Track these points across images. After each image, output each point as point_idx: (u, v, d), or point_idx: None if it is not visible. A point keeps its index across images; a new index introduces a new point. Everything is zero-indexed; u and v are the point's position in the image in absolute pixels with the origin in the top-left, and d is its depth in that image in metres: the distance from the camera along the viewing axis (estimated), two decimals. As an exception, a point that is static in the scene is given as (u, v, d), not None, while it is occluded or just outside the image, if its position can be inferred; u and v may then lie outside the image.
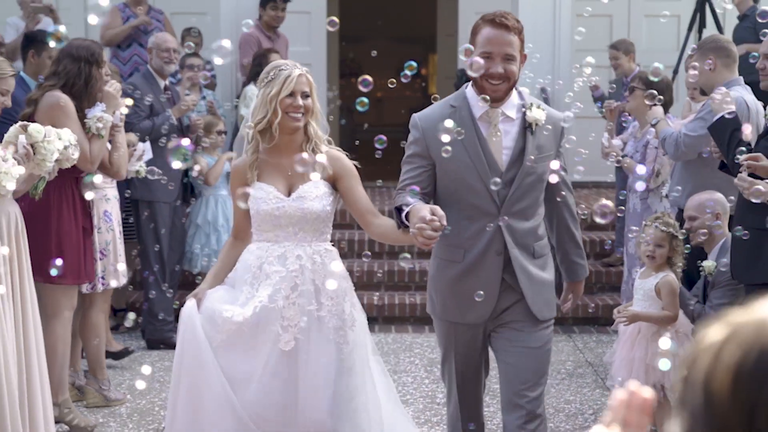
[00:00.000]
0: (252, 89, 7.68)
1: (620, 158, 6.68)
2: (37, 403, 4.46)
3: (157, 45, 6.88)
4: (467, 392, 4.11)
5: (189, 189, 7.39)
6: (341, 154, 4.02)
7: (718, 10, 9.32)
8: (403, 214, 3.61)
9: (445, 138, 3.55)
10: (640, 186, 6.44)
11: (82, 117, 5.13)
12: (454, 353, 4.04)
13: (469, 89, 3.87)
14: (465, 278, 3.88)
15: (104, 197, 5.83)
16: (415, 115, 3.93)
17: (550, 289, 3.94)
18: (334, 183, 3.99)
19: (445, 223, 3.43)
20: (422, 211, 3.44)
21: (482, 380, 4.15)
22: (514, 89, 3.84)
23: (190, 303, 3.88)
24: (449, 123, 3.56)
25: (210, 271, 4.12)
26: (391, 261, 8.17)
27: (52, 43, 4.85)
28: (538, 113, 3.81)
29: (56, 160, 4.39)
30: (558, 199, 4.00)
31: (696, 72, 5.57)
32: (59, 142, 4.36)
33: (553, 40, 9.77)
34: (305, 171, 3.71)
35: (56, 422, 5.09)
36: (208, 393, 3.80)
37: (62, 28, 4.51)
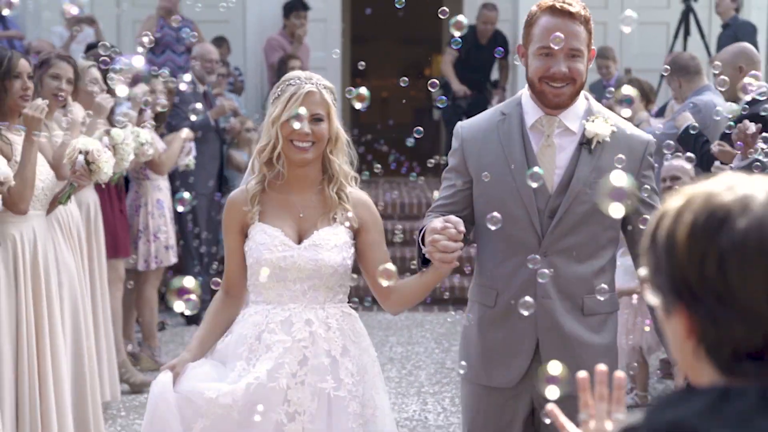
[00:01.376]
0: (278, 93, 8.54)
1: None
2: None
3: (202, 56, 7.75)
4: None
5: (224, 181, 8.24)
6: (368, 199, 3.27)
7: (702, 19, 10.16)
8: (419, 238, 3.01)
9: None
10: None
11: None
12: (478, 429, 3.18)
13: (525, 93, 3.16)
14: (495, 328, 3.12)
15: (157, 187, 6.68)
16: (459, 123, 3.28)
17: (597, 356, 2.91)
18: (354, 233, 3.21)
19: (462, 228, 2.84)
20: (434, 222, 2.87)
21: None
22: (581, 94, 3.13)
23: (165, 377, 3.04)
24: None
25: (194, 335, 3.27)
26: (403, 248, 8.99)
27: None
28: (601, 127, 3.06)
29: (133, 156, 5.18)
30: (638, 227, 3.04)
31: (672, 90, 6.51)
32: (136, 140, 5.17)
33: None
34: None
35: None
36: None
37: None
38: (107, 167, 4.70)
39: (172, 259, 6.81)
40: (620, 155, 3.00)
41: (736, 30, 9.57)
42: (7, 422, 4.21)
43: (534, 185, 2.94)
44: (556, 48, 2.97)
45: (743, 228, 1.31)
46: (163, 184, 6.75)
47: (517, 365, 3.05)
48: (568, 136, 3.08)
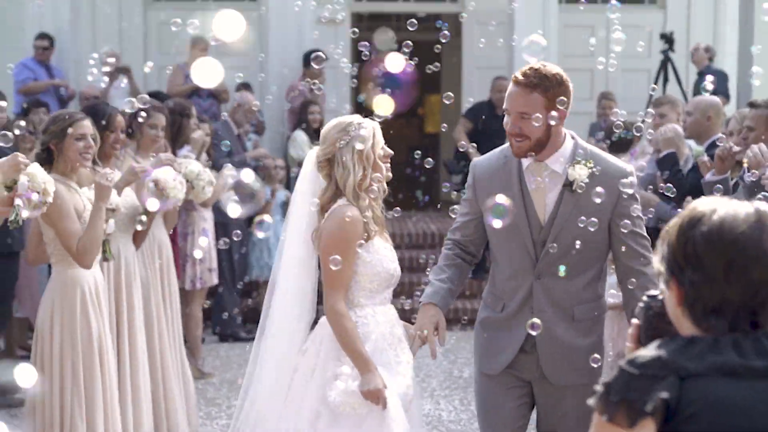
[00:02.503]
0: (300, 134, 9.55)
1: None
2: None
3: (245, 105, 8.79)
4: None
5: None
6: None
7: (680, 68, 11.20)
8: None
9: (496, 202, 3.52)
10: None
11: None
12: (485, 412, 3.91)
13: None
14: (498, 328, 3.79)
15: (202, 217, 7.64)
16: (474, 161, 3.92)
17: (583, 355, 3.66)
18: None
19: (443, 344, 3.67)
20: (426, 324, 3.63)
21: None
22: (568, 136, 3.70)
23: (395, 402, 3.68)
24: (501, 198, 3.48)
25: (363, 350, 3.68)
26: (411, 252, 9.86)
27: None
28: (580, 171, 3.59)
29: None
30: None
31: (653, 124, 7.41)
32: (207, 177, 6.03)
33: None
34: None
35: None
36: None
37: None
38: (175, 193, 5.48)
39: (214, 279, 7.75)
40: (599, 189, 3.52)
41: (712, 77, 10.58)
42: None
43: (498, 222, 3.44)
44: (509, 110, 3.60)
45: (708, 225, 1.96)
46: (208, 214, 7.70)
47: (503, 359, 3.74)
48: (555, 178, 3.64)
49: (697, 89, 10.64)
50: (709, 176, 5.49)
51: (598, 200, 3.52)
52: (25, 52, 10.83)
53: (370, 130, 3.73)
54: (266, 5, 11.85)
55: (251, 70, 11.62)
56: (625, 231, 3.62)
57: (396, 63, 4.28)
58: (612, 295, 6.93)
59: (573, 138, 3.73)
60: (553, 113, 3.55)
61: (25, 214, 4.08)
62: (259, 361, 3.86)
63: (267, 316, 3.85)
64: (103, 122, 5.30)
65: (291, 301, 3.84)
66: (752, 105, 5.17)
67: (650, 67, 12.25)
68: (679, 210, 5.04)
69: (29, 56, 10.52)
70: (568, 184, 3.61)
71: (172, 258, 6.09)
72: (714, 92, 7.90)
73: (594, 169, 3.61)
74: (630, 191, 3.61)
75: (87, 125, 4.86)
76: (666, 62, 11.04)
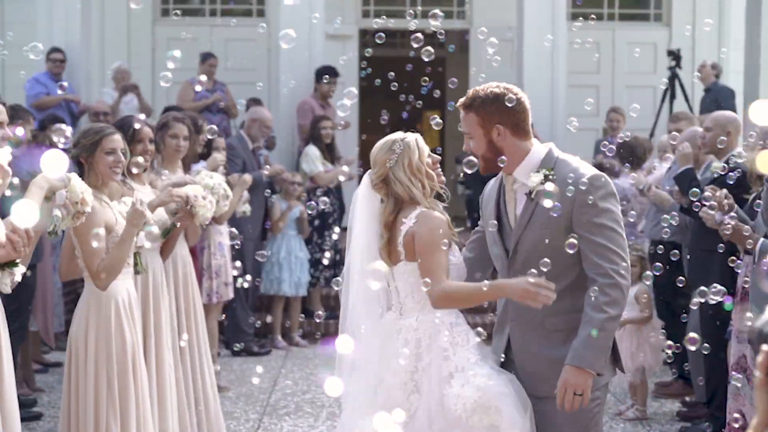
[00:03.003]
0: (311, 149, 9.60)
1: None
2: None
3: (260, 120, 8.84)
4: None
5: (265, 228, 9.24)
6: None
7: (686, 84, 11.29)
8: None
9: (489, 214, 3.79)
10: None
11: None
12: None
13: None
14: (495, 333, 3.92)
15: (218, 231, 7.67)
16: (487, 184, 4.01)
17: (557, 366, 3.58)
18: None
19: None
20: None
21: None
22: (544, 147, 3.74)
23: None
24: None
25: (475, 287, 3.75)
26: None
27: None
28: (535, 179, 3.67)
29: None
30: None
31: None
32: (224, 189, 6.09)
33: (551, 107, 11.64)
34: None
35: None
36: None
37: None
38: (204, 211, 5.62)
39: (230, 294, 7.78)
40: (551, 199, 3.52)
41: (717, 94, 10.68)
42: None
43: (548, 202, 3.53)
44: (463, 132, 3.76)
45: None
46: (223, 228, 7.73)
47: (497, 362, 3.78)
48: (523, 188, 3.72)
49: (704, 106, 10.76)
50: (719, 216, 5.41)
51: (548, 206, 3.53)
52: (34, 67, 10.88)
53: (414, 142, 3.88)
54: (275, 21, 11.91)
55: (260, 85, 11.71)
56: (583, 239, 3.56)
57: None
58: (629, 309, 7.02)
59: (549, 148, 3.76)
60: (498, 127, 3.66)
61: (64, 224, 4.11)
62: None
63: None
64: (130, 133, 5.36)
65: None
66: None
67: (655, 84, 12.36)
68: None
69: (41, 71, 10.55)
70: (529, 192, 3.68)
71: (193, 272, 6.13)
72: (719, 109, 8.00)
73: (550, 175, 3.64)
74: (589, 198, 3.56)
75: (117, 139, 4.90)
76: (673, 79, 11.12)
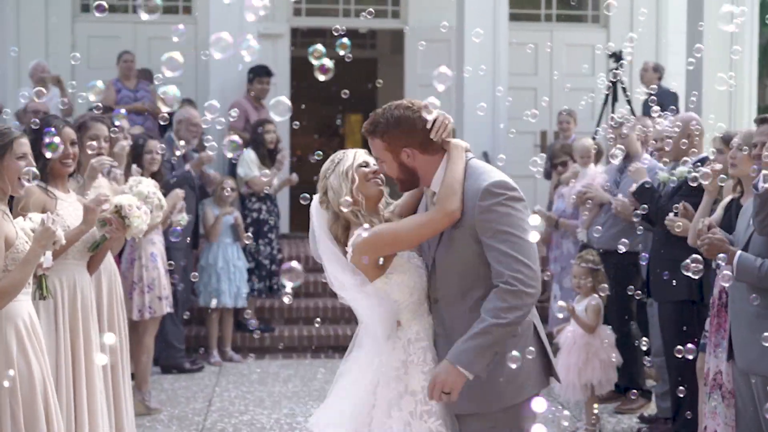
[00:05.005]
0: (249, 153, 9.05)
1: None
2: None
3: (188, 120, 8.27)
4: None
5: (198, 236, 8.69)
6: None
7: (626, 87, 11.08)
8: None
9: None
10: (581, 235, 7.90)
11: None
12: None
13: None
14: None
15: (151, 241, 7.12)
16: None
17: (473, 383, 3.47)
18: None
19: None
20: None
21: None
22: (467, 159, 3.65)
23: None
24: None
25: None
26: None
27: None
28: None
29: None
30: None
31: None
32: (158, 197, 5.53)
33: (492, 110, 11.28)
34: None
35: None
36: None
37: None
38: (139, 222, 5.10)
39: (166, 309, 7.23)
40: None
41: (660, 97, 10.47)
42: None
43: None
44: None
45: None
46: (157, 238, 7.20)
47: None
48: None
49: (646, 109, 10.55)
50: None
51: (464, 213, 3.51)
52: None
53: (351, 153, 3.74)
54: (203, 18, 11.36)
55: (190, 85, 11.16)
56: (486, 246, 3.49)
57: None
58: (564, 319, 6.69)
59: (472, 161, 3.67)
60: (406, 150, 3.59)
61: None
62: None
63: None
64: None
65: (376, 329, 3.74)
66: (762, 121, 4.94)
67: (593, 86, 12.16)
68: None
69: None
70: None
71: (120, 283, 5.60)
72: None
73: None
74: (490, 204, 3.47)
75: (26, 143, 4.36)
76: (615, 82, 10.90)
